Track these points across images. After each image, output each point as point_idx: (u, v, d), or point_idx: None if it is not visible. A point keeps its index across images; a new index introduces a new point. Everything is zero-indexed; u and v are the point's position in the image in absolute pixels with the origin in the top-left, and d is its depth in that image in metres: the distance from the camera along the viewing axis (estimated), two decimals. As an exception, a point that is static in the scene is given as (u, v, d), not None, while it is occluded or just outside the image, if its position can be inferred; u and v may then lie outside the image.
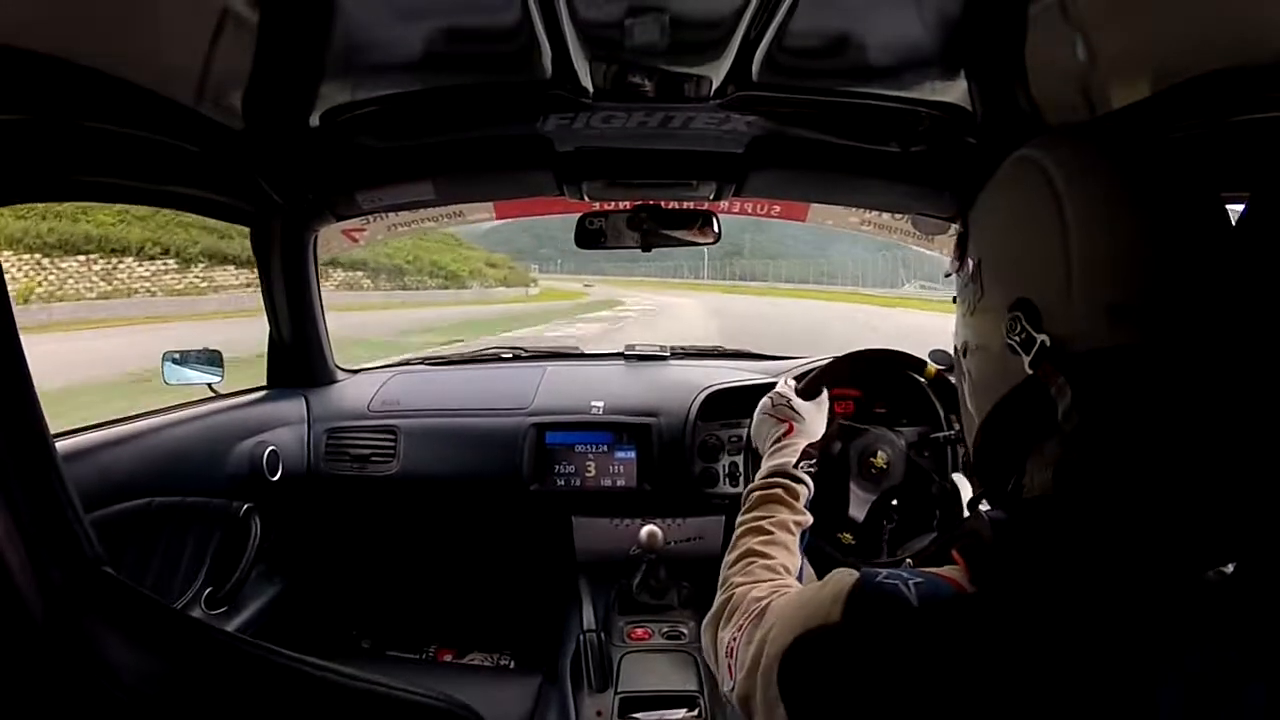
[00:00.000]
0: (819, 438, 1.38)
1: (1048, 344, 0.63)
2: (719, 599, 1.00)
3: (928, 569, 0.71)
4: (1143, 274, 0.61)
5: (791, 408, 1.40)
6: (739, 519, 1.17)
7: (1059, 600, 0.59)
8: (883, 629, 0.65)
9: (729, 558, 1.09)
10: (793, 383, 1.49)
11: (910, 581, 0.68)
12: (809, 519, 1.17)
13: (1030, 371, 0.65)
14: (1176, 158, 0.65)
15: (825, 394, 1.48)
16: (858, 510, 1.66)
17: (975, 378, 0.77)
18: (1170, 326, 0.59)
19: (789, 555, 1.08)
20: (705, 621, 1.02)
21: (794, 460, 1.27)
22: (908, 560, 1.60)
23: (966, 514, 0.81)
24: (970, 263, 0.78)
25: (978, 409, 0.76)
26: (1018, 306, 0.66)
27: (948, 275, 0.89)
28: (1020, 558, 0.63)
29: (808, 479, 1.23)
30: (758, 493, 1.20)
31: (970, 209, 0.82)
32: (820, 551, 1.66)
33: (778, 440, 1.34)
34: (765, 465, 1.29)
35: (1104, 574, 0.58)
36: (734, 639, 0.87)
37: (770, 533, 1.11)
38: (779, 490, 1.19)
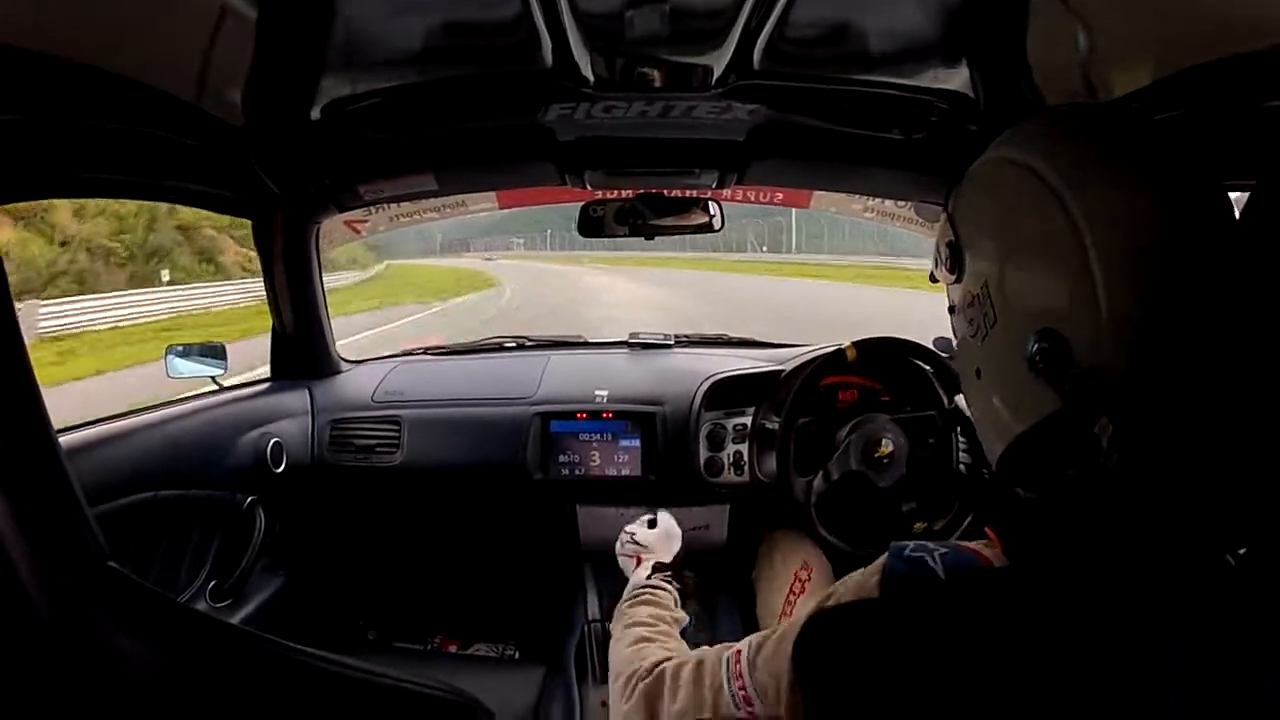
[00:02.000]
0: (670, 558, 1.50)
1: (1084, 376, 0.62)
2: (638, 688, 1.00)
3: (955, 542, 0.72)
4: (1175, 304, 0.59)
5: (636, 542, 1.53)
6: (615, 632, 1.25)
7: (1086, 576, 0.59)
8: (912, 604, 0.66)
9: (623, 654, 1.13)
10: (642, 520, 1.60)
11: (936, 553, 0.69)
12: (684, 616, 1.30)
13: (1062, 402, 0.64)
14: (1188, 157, 0.64)
15: (665, 518, 1.60)
16: (868, 500, 1.66)
17: (995, 403, 0.75)
18: (1202, 353, 0.57)
19: (677, 643, 1.17)
20: (622, 706, 1.02)
21: (645, 575, 1.40)
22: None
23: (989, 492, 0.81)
24: (972, 280, 0.76)
25: (998, 433, 0.75)
26: (1044, 338, 0.64)
27: (935, 281, 0.87)
28: (1054, 535, 0.63)
29: (668, 585, 1.35)
30: (626, 604, 1.32)
31: (954, 210, 0.80)
32: (836, 548, 1.66)
33: (634, 572, 1.47)
34: (627, 588, 1.40)
35: (1130, 553, 0.59)
36: (719, 691, 0.88)
37: (653, 624, 1.22)
38: (645, 595, 1.32)
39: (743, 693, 0.84)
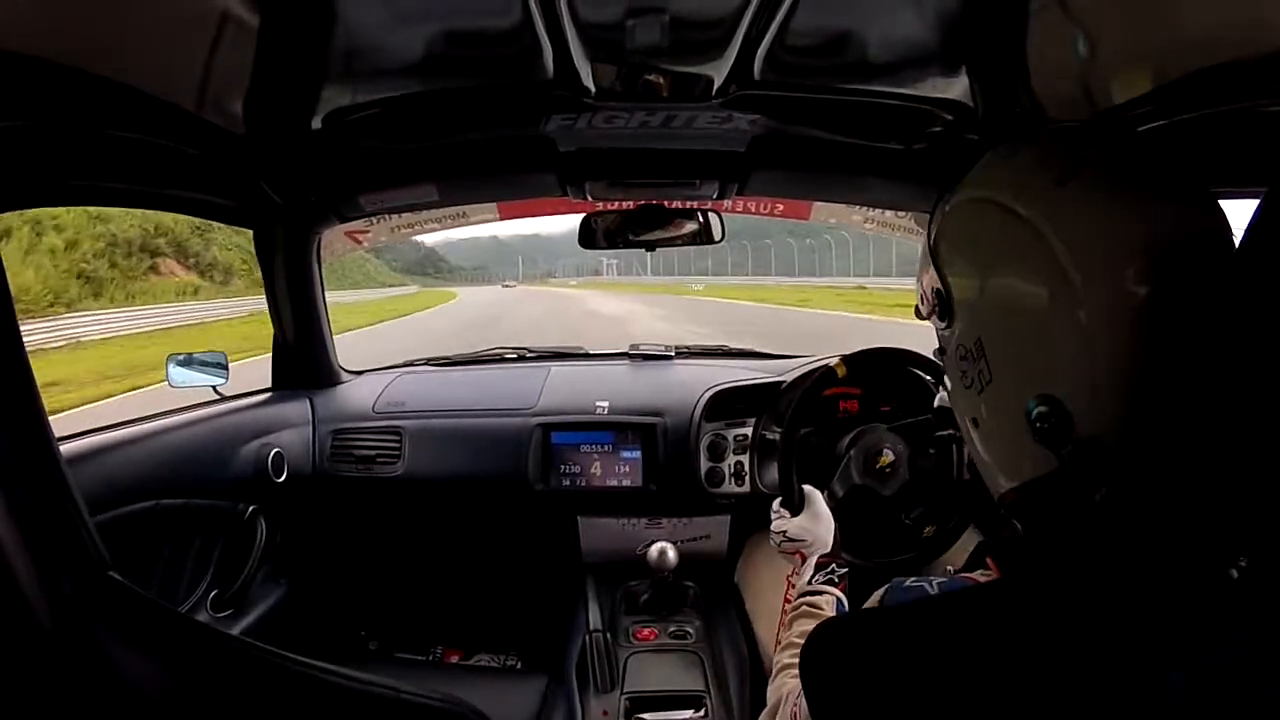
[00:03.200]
0: (830, 544, 1.37)
1: (1084, 444, 0.62)
2: (767, 714, 1.05)
3: (957, 575, 0.72)
4: (1173, 361, 0.59)
5: (790, 538, 1.41)
6: (779, 640, 1.23)
7: (1083, 589, 0.59)
8: (907, 614, 0.66)
9: (772, 680, 1.15)
10: (779, 511, 1.47)
11: (934, 581, 0.69)
12: None
13: (1058, 463, 0.64)
14: (1179, 184, 0.64)
15: (812, 493, 1.47)
16: (874, 511, 1.66)
17: (988, 454, 0.76)
18: (1201, 408, 0.57)
19: None
20: None
21: (809, 577, 1.30)
22: (949, 568, 1.62)
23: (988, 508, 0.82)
24: (965, 334, 0.75)
25: (993, 478, 0.75)
26: (1043, 402, 0.64)
27: (923, 318, 0.86)
28: (1052, 559, 0.64)
29: (830, 589, 1.26)
30: (788, 616, 1.25)
31: (939, 255, 0.79)
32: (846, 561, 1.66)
33: (796, 571, 1.37)
34: (792, 593, 1.32)
35: (1129, 567, 0.58)
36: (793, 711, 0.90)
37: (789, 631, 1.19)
38: (804, 607, 1.23)
39: (794, 710, 0.86)
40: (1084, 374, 0.62)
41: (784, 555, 1.44)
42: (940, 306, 0.78)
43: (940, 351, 0.83)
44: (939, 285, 0.78)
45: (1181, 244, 0.61)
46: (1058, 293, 0.63)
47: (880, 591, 0.75)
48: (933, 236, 0.81)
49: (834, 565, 1.31)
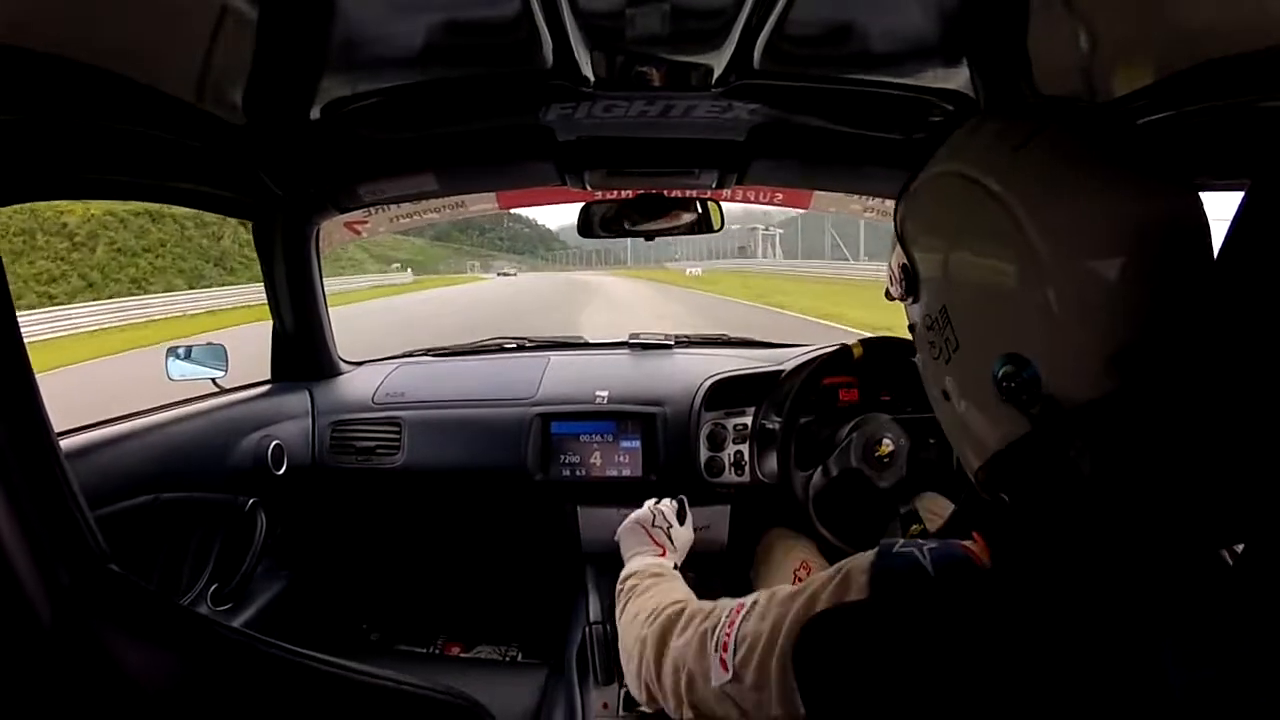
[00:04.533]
0: (680, 559, 1.41)
1: (1052, 401, 0.62)
2: (658, 620, 1.00)
3: (944, 539, 0.72)
4: (1137, 315, 0.60)
5: (670, 535, 1.44)
6: (620, 608, 1.21)
7: (1075, 574, 0.59)
8: (905, 603, 0.65)
9: (627, 614, 1.14)
10: (672, 505, 1.53)
11: (925, 548, 0.69)
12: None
13: (1030, 426, 0.64)
14: (1145, 162, 0.64)
15: (689, 523, 1.53)
16: (867, 499, 1.66)
17: (962, 425, 0.76)
18: (1173, 362, 0.57)
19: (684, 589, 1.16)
20: (641, 651, 1.00)
21: (646, 562, 1.32)
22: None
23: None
24: (929, 304, 0.76)
25: (974, 451, 0.75)
26: (1009, 361, 0.65)
27: (891, 299, 0.86)
28: (1040, 538, 0.63)
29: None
30: (628, 583, 1.25)
31: (904, 231, 0.80)
32: (834, 547, 1.66)
33: (644, 555, 1.38)
34: (628, 567, 1.32)
35: (1118, 549, 0.58)
36: (707, 633, 0.87)
37: (658, 577, 1.22)
38: (649, 579, 1.23)
39: (726, 638, 0.84)
40: (1046, 330, 0.62)
41: (644, 530, 1.45)
42: (907, 282, 0.79)
43: (910, 329, 0.83)
44: (905, 261, 0.79)
45: (1146, 210, 0.62)
46: (1018, 253, 0.63)
47: (869, 557, 0.74)
48: (899, 216, 0.83)
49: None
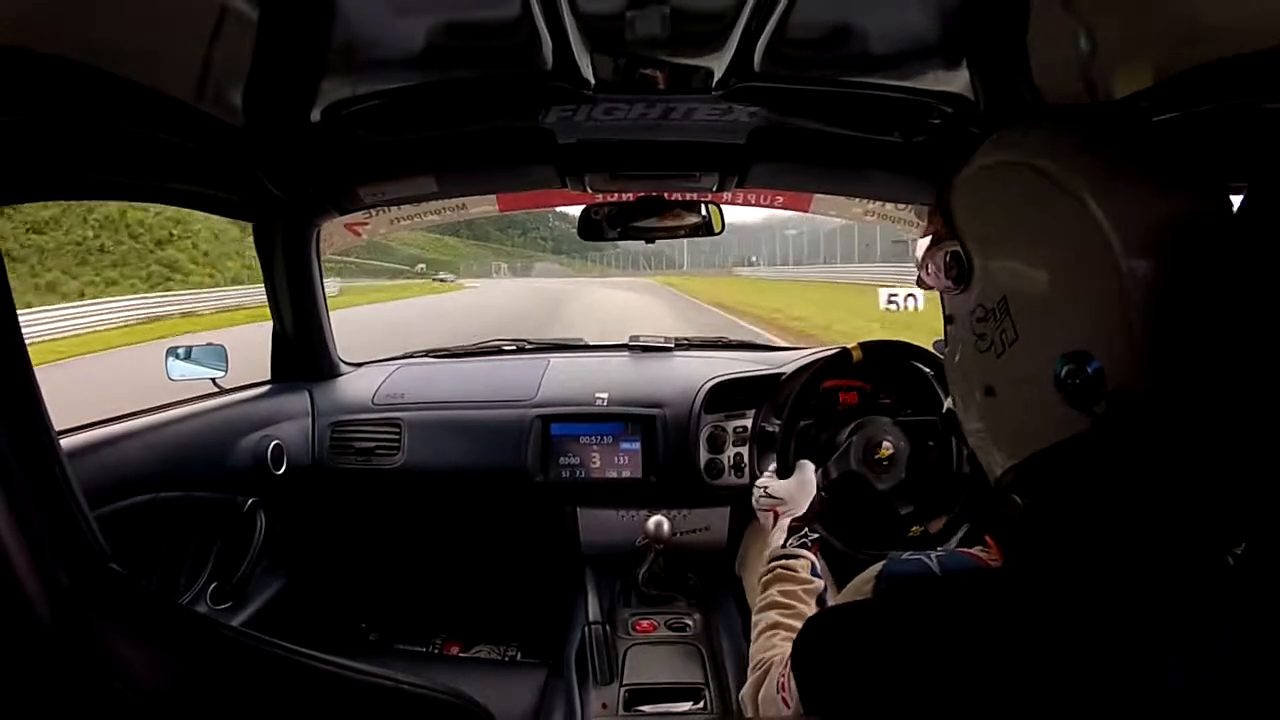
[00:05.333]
0: (804, 510, 1.44)
1: (1118, 398, 0.61)
2: (754, 674, 1.06)
3: (954, 548, 0.72)
4: (1194, 313, 0.59)
5: (770, 495, 1.51)
6: (755, 604, 1.26)
7: (1083, 574, 0.59)
8: (908, 600, 0.65)
9: (755, 641, 1.18)
10: (771, 470, 1.61)
11: (934, 556, 0.69)
12: (819, 584, 1.25)
13: (1091, 423, 0.63)
14: (1205, 161, 0.64)
15: (804, 464, 1.56)
16: (866, 501, 1.66)
17: (1010, 420, 0.74)
18: (1231, 367, 0.56)
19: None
20: (744, 692, 1.07)
21: (782, 540, 1.36)
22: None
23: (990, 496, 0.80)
24: (986, 294, 0.74)
25: (1011, 449, 0.73)
26: (1075, 359, 0.63)
27: (927, 288, 0.85)
28: (1054, 538, 0.63)
29: (804, 552, 1.32)
30: (762, 579, 1.29)
31: (957, 216, 0.78)
32: (833, 548, 1.66)
33: (771, 531, 1.45)
34: (766, 554, 1.38)
35: (1129, 553, 0.58)
36: (780, 679, 0.90)
37: (788, 605, 1.20)
38: (778, 569, 1.28)
39: (783, 678, 0.87)
40: (1116, 326, 0.61)
41: (759, 511, 1.53)
42: (958, 270, 0.77)
43: (949, 321, 0.82)
44: (957, 249, 0.77)
45: (1204, 210, 0.62)
46: (1092, 248, 0.62)
47: (878, 566, 0.75)
48: (948, 203, 0.80)
49: (806, 530, 1.37)
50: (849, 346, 1.74)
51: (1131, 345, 0.61)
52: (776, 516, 1.45)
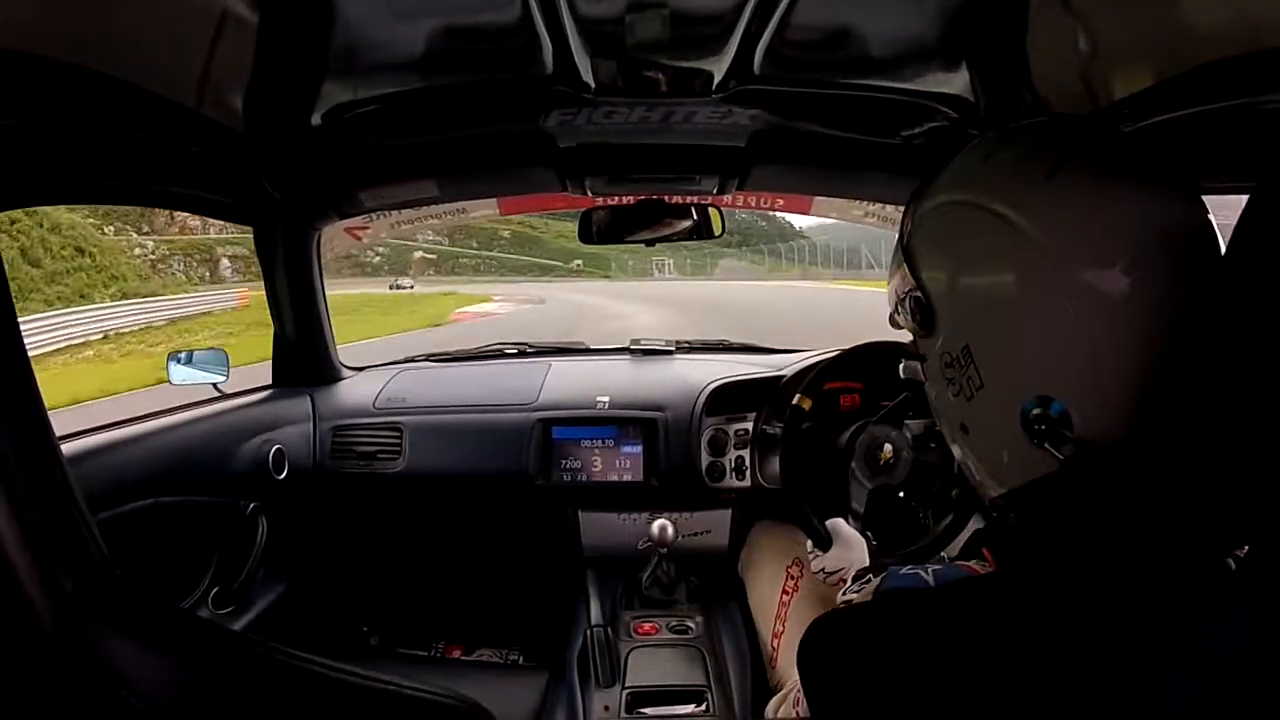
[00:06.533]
0: (866, 561, 1.40)
1: (1084, 444, 0.61)
2: (781, 691, 1.12)
3: (953, 561, 0.72)
4: (1167, 351, 0.58)
5: (830, 572, 1.44)
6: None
7: (1080, 578, 0.58)
8: (906, 605, 0.66)
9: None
10: (813, 551, 1.52)
11: (929, 569, 0.69)
12: None
13: (1059, 465, 0.63)
14: (1164, 180, 0.63)
15: (835, 524, 1.51)
16: (864, 504, 1.66)
17: (980, 461, 0.75)
18: (1207, 404, 0.56)
19: None
20: (768, 709, 1.13)
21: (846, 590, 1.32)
22: (943, 555, 1.61)
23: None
24: (949, 341, 0.74)
25: (990, 483, 0.74)
26: (1040, 404, 0.63)
27: (896, 327, 0.84)
28: (1049, 548, 0.63)
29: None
30: None
31: (916, 261, 0.77)
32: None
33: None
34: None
35: (1127, 556, 0.58)
36: (796, 694, 0.93)
37: None
38: None
39: (797, 693, 0.88)
40: (1081, 372, 0.61)
41: (833, 592, 1.43)
42: (921, 315, 0.76)
43: (922, 360, 0.81)
44: (918, 294, 0.76)
45: (1172, 233, 0.61)
46: (1049, 292, 0.62)
47: (876, 580, 0.75)
48: (907, 239, 0.80)
49: (870, 575, 1.32)
50: (844, 350, 1.74)
51: (1095, 390, 0.61)
52: (841, 582, 1.38)
